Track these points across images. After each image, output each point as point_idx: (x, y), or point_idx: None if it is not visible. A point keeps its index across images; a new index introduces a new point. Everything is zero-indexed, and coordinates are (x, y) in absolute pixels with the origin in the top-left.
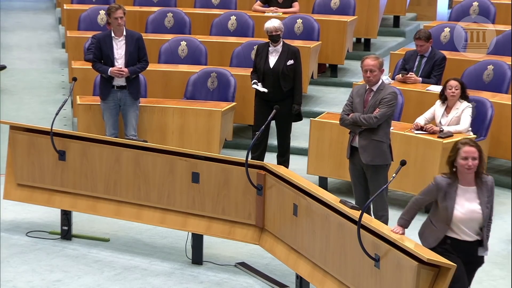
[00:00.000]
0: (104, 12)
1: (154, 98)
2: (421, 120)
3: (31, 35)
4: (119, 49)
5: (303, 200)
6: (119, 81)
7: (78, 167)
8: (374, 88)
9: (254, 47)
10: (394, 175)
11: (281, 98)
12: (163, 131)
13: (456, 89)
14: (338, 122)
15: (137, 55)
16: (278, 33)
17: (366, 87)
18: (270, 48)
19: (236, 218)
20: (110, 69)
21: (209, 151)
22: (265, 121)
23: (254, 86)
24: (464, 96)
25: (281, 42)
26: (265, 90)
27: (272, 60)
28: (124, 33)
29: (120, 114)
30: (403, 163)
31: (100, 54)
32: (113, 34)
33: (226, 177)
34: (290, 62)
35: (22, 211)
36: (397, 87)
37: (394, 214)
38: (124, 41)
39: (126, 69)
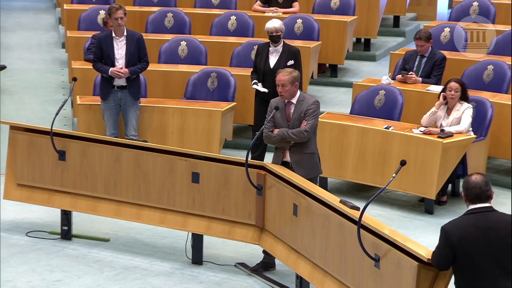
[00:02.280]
0: (104, 12)
1: (154, 98)
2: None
3: (31, 35)
4: (120, 49)
5: (303, 200)
6: (120, 81)
7: (78, 167)
8: (294, 100)
9: (254, 47)
10: (394, 175)
11: None
12: (163, 131)
13: (456, 92)
14: (271, 136)
15: (138, 55)
16: (279, 33)
17: (285, 101)
18: (270, 48)
19: (236, 218)
20: (111, 69)
21: (209, 151)
22: (265, 121)
23: (254, 86)
24: (464, 97)
25: (282, 42)
26: (265, 90)
27: (273, 60)
28: (125, 33)
29: (120, 114)
30: (403, 163)
31: (100, 54)
32: (113, 34)
33: (226, 177)
34: (291, 62)
35: (22, 211)
36: (397, 87)
37: (394, 214)
38: (124, 41)
39: (126, 69)
